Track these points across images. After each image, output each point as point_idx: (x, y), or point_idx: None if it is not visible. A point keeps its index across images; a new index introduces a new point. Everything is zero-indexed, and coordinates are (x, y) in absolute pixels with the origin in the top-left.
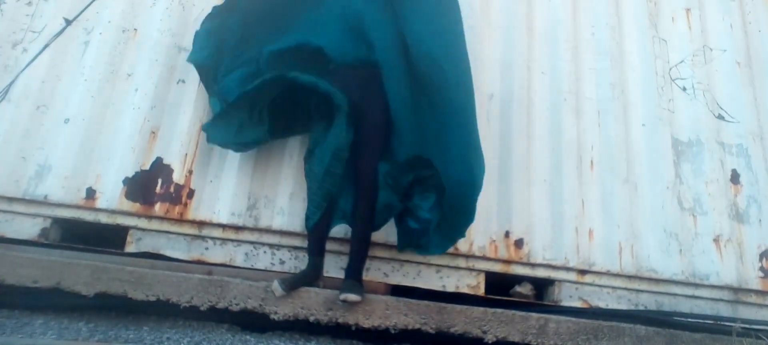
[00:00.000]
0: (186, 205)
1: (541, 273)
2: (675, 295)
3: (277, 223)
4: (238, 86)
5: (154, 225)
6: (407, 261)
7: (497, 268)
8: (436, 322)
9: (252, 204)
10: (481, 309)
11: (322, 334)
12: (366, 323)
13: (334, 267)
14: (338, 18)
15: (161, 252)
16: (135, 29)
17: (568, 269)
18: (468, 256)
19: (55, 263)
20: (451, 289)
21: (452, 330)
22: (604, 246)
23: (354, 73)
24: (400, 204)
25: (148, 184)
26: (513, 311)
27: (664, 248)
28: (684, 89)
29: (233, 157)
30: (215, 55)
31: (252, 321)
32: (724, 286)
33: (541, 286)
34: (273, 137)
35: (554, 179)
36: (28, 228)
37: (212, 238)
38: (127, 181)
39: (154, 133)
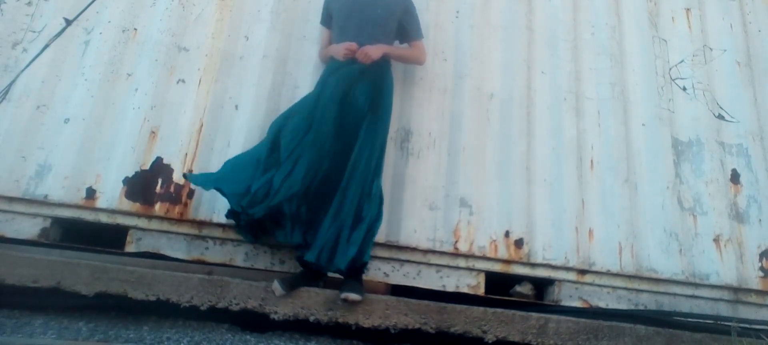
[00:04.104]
0: (186, 205)
1: (541, 273)
2: (675, 294)
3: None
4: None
5: (154, 225)
6: (407, 261)
7: (497, 267)
8: (436, 322)
9: None
10: (481, 309)
11: (322, 334)
12: (366, 323)
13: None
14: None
15: (161, 252)
16: (135, 29)
17: (568, 269)
18: (468, 256)
19: (55, 263)
20: (451, 288)
21: (452, 330)
22: (604, 246)
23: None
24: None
25: (148, 184)
26: (513, 311)
27: (664, 248)
28: (684, 89)
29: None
30: None
31: (252, 321)
32: (724, 285)
33: (541, 285)
34: None
35: (554, 179)
36: (28, 228)
37: (212, 238)
38: (127, 181)
39: (154, 132)
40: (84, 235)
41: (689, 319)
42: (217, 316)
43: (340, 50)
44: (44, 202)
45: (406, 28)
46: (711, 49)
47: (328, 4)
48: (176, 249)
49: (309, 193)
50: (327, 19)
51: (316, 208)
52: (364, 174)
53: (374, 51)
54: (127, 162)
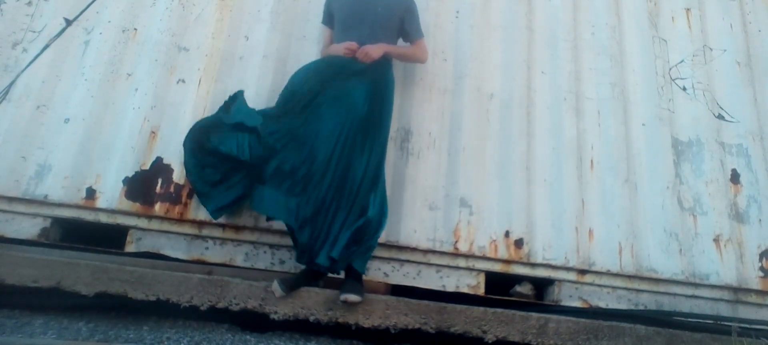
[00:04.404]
0: (186, 204)
1: (541, 273)
2: (675, 294)
3: (277, 222)
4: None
5: (154, 225)
6: (407, 261)
7: (497, 267)
8: (436, 322)
9: None
10: (481, 309)
11: (322, 334)
12: (366, 323)
13: None
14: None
15: (161, 252)
16: (135, 29)
17: (568, 269)
18: (468, 256)
19: (55, 263)
20: (451, 289)
21: (452, 330)
22: (604, 246)
23: None
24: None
25: (148, 184)
26: (513, 311)
27: (664, 248)
28: (684, 89)
29: None
30: None
31: (252, 321)
32: (724, 285)
33: (541, 285)
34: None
35: (554, 179)
36: (28, 228)
37: (212, 238)
38: (127, 181)
39: (154, 132)
40: (84, 235)
41: (689, 319)
42: (217, 316)
43: (340, 50)
44: (44, 202)
45: (407, 27)
46: (711, 49)
47: (329, 4)
48: (176, 249)
49: (316, 197)
50: (328, 19)
51: (321, 212)
52: (367, 176)
53: (374, 50)
54: (127, 162)
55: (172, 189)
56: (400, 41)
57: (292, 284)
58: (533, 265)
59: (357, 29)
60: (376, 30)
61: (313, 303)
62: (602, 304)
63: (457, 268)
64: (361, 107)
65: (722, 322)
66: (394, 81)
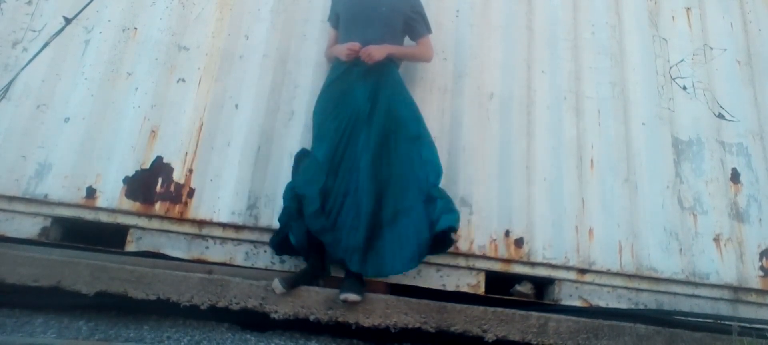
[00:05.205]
0: (186, 204)
1: (541, 272)
2: (675, 294)
3: (277, 222)
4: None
5: (155, 224)
6: None
7: (497, 267)
8: (436, 321)
9: (252, 203)
10: (482, 308)
11: (322, 333)
12: (366, 322)
13: (334, 266)
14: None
15: (161, 251)
16: (135, 28)
17: (568, 268)
18: (468, 255)
19: (56, 262)
20: (451, 288)
21: (452, 329)
22: (604, 245)
23: None
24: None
25: (149, 183)
26: (513, 310)
27: (665, 247)
28: (684, 88)
29: (233, 156)
30: None
31: (252, 320)
32: (725, 285)
33: (542, 285)
34: None
35: (554, 178)
36: (28, 227)
37: (212, 237)
38: (127, 180)
39: (154, 132)
40: (84, 234)
41: (689, 318)
42: (218, 315)
43: (342, 50)
44: (44, 202)
45: (412, 26)
46: (711, 48)
47: (335, 3)
48: (176, 248)
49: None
50: (334, 19)
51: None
52: (383, 174)
53: (377, 51)
54: (128, 161)
55: (172, 188)
56: (407, 40)
57: (292, 282)
58: (533, 264)
59: (362, 29)
60: (381, 30)
61: (313, 302)
62: (602, 304)
63: (457, 267)
64: (363, 106)
65: (722, 322)
66: (401, 79)
